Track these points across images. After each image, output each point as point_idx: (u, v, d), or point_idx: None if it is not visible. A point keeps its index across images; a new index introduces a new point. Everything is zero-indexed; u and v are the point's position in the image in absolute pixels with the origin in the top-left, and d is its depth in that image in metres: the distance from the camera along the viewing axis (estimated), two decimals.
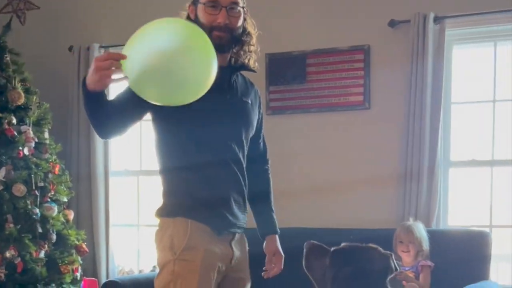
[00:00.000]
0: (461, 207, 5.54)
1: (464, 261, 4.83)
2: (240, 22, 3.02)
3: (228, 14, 2.94)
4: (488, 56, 5.40)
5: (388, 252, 2.82)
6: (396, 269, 2.80)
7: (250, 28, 3.10)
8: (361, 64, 5.55)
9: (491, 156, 5.36)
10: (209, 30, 2.90)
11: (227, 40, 2.97)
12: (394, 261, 2.80)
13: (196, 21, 2.97)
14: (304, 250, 2.92)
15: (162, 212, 3.01)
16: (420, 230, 4.85)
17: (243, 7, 3.02)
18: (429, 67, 5.23)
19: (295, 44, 5.73)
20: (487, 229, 5.17)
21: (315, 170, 5.67)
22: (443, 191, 5.32)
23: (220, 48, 2.89)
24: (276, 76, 5.78)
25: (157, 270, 3.00)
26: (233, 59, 3.10)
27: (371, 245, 2.83)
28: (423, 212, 5.20)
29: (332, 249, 2.85)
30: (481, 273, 4.84)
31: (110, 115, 2.81)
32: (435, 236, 4.93)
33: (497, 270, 5.89)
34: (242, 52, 3.09)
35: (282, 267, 3.28)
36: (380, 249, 2.82)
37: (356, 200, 5.51)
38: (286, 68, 5.74)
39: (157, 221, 3.04)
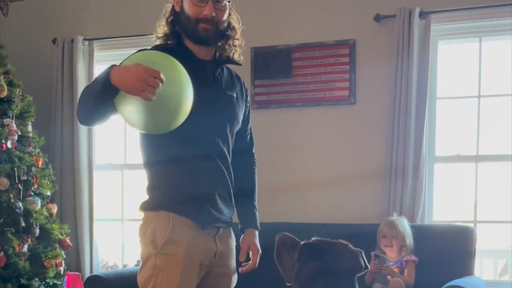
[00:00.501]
0: (446, 202, 5.55)
1: (448, 256, 4.85)
2: (225, 16, 3.02)
3: (214, 7, 2.94)
4: (473, 52, 5.41)
5: (358, 249, 2.79)
6: (366, 267, 2.77)
7: (235, 22, 3.10)
8: (346, 59, 5.54)
9: (476, 151, 5.37)
10: (195, 22, 2.92)
11: (213, 33, 2.97)
12: (364, 258, 2.77)
13: (181, 13, 2.97)
14: (276, 242, 2.90)
15: (146, 206, 3.00)
16: (404, 225, 4.86)
17: (229, 1, 3.02)
18: (415, 62, 5.23)
19: (280, 38, 5.71)
20: (471, 225, 5.20)
21: (299, 165, 5.66)
22: (428, 187, 5.33)
23: (205, 41, 2.95)
24: (261, 70, 5.76)
25: (140, 264, 3.00)
26: (217, 53, 3.09)
27: (341, 241, 2.81)
28: (408, 207, 5.21)
29: (302, 242, 2.83)
30: (466, 268, 4.85)
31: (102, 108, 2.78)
32: (420, 232, 4.94)
33: (481, 266, 5.92)
34: (227, 46, 3.08)
35: (257, 262, 3.23)
36: (350, 245, 2.79)
37: (341, 195, 5.51)
38: (271, 62, 5.73)
39: (141, 215, 3.04)
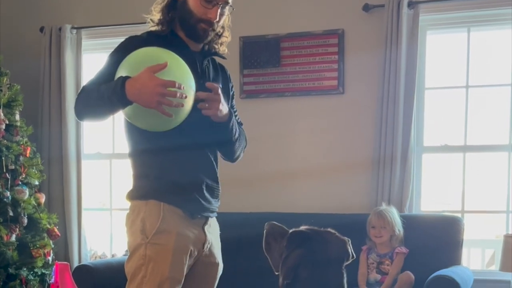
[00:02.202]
0: (433, 192, 5.57)
1: (436, 246, 4.87)
2: (223, 19, 3.05)
3: (219, 11, 2.96)
4: (462, 42, 5.42)
5: (346, 238, 2.79)
6: (353, 256, 2.77)
7: (226, 21, 3.12)
8: (335, 49, 5.54)
9: (464, 141, 5.39)
10: (197, 21, 2.94)
11: (209, 34, 3.01)
12: (351, 247, 2.77)
13: (183, 5, 2.96)
14: (264, 231, 2.90)
15: (134, 195, 2.97)
16: (393, 214, 4.87)
17: (232, 7, 3.05)
18: (403, 52, 5.24)
19: (269, 28, 5.71)
20: (459, 215, 5.21)
21: (288, 154, 5.66)
22: (416, 177, 5.34)
23: (199, 39, 3.01)
24: (250, 60, 5.75)
25: (128, 254, 2.98)
26: (206, 46, 3.11)
27: (329, 229, 2.81)
28: (396, 197, 5.22)
29: (291, 231, 2.83)
30: (453, 258, 4.88)
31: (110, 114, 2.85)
32: (408, 221, 4.95)
33: (469, 256, 5.96)
34: (214, 39, 3.09)
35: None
36: (338, 234, 2.80)
37: (329, 185, 5.51)
38: (260, 52, 5.72)
39: (128, 204, 3.01)
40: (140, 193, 2.95)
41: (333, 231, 2.81)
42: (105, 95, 2.70)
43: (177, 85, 2.62)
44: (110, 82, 2.73)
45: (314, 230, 2.81)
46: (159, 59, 2.68)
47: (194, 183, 2.97)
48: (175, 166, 2.93)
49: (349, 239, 2.79)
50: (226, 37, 3.13)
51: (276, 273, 2.83)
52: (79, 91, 2.90)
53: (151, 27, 3.06)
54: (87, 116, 2.89)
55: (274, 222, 2.92)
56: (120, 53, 2.86)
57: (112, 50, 2.94)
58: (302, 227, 2.83)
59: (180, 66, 2.74)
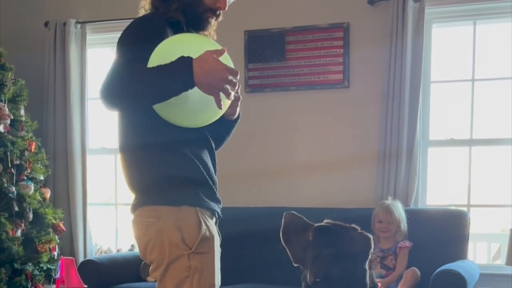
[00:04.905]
0: (439, 186, 5.55)
1: (442, 240, 4.86)
2: None
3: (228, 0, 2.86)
4: (468, 35, 5.39)
5: (369, 234, 2.80)
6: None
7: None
8: (340, 42, 5.52)
9: (470, 135, 5.37)
10: (205, 10, 2.80)
11: (210, 24, 2.87)
12: (373, 243, 2.78)
13: None
14: (283, 221, 2.84)
15: (158, 200, 2.65)
16: (399, 210, 4.86)
17: None
18: (409, 46, 5.22)
19: (274, 21, 5.68)
20: (465, 209, 5.20)
21: (293, 149, 5.65)
22: (421, 171, 5.33)
23: (201, 29, 2.84)
24: (255, 54, 5.74)
25: (159, 268, 2.67)
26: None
27: (353, 225, 2.80)
28: (402, 192, 5.20)
29: (316, 225, 2.79)
30: (459, 252, 4.87)
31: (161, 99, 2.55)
32: (414, 216, 4.95)
33: (475, 250, 5.94)
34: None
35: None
36: (362, 230, 2.80)
37: (334, 180, 5.50)
38: (265, 46, 5.70)
39: (144, 209, 2.67)
40: (165, 198, 2.65)
41: (356, 227, 2.81)
42: (165, 77, 2.43)
43: (238, 77, 2.47)
44: (159, 64, 2.45)
45: (340, 226, 2.80)
46: (212, 46, 2.55)
47: (214, 182, 2.79)
48: (200, 164, 2.70)
49: (371, 236, 2.80)
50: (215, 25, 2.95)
51: (295, 265, 2.82)
52: (108, 76, 2.50)
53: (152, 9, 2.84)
54: (128, 102, 2.53)
55: (294, 212, 2.86)
56: (152, 32, 2.64)
57: (132, 30, 2.72)
58: (326, 222, 2.82)
59: (228, 60, 2.62)
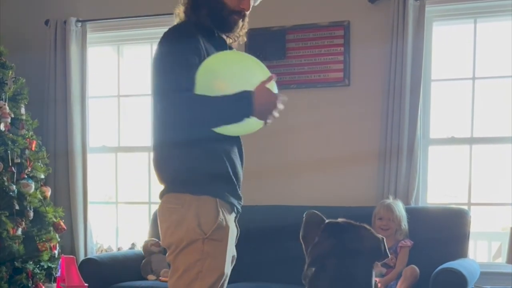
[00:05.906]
0: (440, 185, 5.55)
1: (442, 239, 4.86)
2: None
3: (251, 1, 2.98)
4: (468, 33, 5.39)
5: (381, 236, 2.79)
6: (386, 255, 2.75)
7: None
8: (341, 40, 5.52)
9: (470, 133, 5.37)
10: (230, 12, 2.94)
11: (239, 26, 3.03)
12: (385, 246, 2.76)
13: None
14: (304, 219, 2.91)
15: (183, 188, 2.87)
16: (400, 209, 4.87)
17: None
18: (409, 44, 5.22)
19: (274, 20, 5.68)
20: (465, 207, 5.20)
21: (294, 147, 5.65)
22: (422, 169, 5.33)
23: (230, 31, 3.02)
24: (255, 52, 5.69)
25: (174, 251, 2.87)
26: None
27: (365, 225, 2.82)
28: (403, 190, 5.21)
29: (327, 221, 2.84)
30: (460, 250, 4.87)
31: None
32: (414, 214, 4.95)
33: (475, 248, 5.94)
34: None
35: None
36: (373, 231, 2.80)
37: (335, 178, 5.50)
38: (265, 44, 5.70)
39: (170, 196, 2.90)
40: (193, 188, 2.86)
41: (368, 227, 2.82)
42: (231, 108, 2.77)
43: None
44: (227, 95, 2.75)
45: (350, 224, 2.82)
46: (261, 70, 2.89)
47: (238, 176, 3.03)
48: (226, 158, 2.94)
49: (383, 238, 2.79)
50: (246, 27, 3.11)
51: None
52: (177, 97, 2.77)
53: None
54: (200, 129, 2.83)
55: (315, 211, 2.93)
56: (190, 47, 2.81)
57: (168, 47, 2.84)
58: (339, 219, 2.84)
59: (274, 86, 2.92)
